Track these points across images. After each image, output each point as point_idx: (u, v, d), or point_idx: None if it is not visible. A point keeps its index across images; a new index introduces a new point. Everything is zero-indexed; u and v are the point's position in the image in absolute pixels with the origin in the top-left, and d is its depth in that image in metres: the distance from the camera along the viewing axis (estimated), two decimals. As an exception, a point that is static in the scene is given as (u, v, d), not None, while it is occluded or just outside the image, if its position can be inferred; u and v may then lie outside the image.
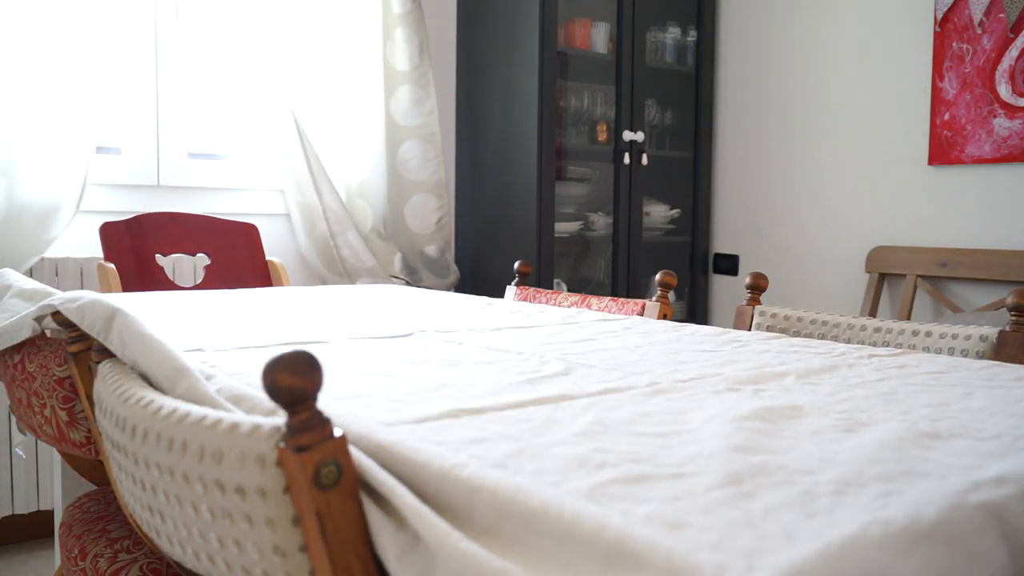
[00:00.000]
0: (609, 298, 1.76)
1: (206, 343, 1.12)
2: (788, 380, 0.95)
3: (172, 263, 2.10)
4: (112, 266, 1.93)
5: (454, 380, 0.92)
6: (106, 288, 1.92)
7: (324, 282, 2.73)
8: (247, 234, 2.22)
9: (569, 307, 1.78)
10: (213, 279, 2.12)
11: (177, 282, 2.08)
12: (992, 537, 0.54)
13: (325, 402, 0.80)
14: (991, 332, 1.26)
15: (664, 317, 1.64)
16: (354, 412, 0.75)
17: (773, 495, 0.54)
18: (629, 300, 1.73)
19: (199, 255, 2.16)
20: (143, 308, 1.53)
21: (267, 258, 2.25)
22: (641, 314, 1.66)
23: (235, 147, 2.73)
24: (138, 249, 1.99)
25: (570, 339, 1.24)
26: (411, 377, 0.93)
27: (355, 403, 0.79)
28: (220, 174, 2.68)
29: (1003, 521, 0.54)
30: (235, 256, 2.15)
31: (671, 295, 1.71)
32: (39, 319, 1.00)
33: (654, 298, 1.67)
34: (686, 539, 0.47)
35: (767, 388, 0.90)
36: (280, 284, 2.20)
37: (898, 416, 0.77)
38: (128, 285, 1.96)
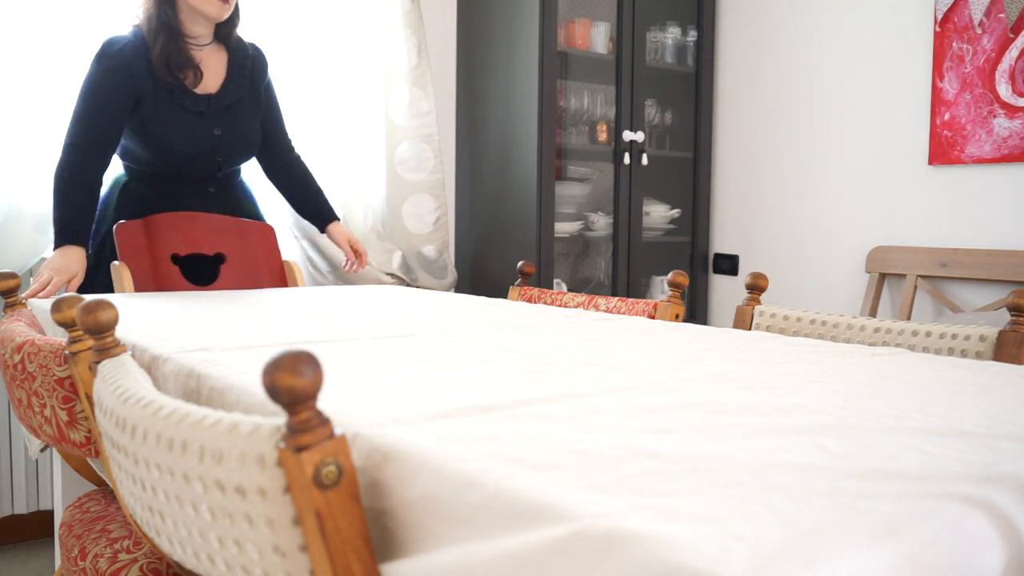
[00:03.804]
0: (618, 298, 1.76)
1: (212, 343, 1.12)
2: (796, 379, 0.95)
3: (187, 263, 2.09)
4: (125, 266, 1.93)
5: (463, 378, 0.92)
6: (120, 289, 1.91)
7: (329, 282, 2.73)
8: (263, 234, 2.21)
9: (576, 307, 1.77)
10: (229, 279, 2.12)
11: (192, 282, 2.07)
12: (993, 536, 0.54)
13: (336, 400, 0.79)
14: (991, 332, 1.26)
15: (676, 317, 1.64)
16: (366, 409, 0.75)
17: (788, 490, 0.54)
18: (639, 300, 1.73)
19: (215, 255, 2.15)
20: (153, 309, 1.53)
21: (283, 259, 2.24)
22: (653, 314, 1.65)
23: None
24: (153, 249, 1.98)
25: (573, 339, 1.24)
26: (420, 376, 0.93)
27: (366, 401, 0.79)
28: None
29: (1005, 520, 0.54)
30: (251, 256, 2.14)
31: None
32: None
33: (666, 298, 1.67)
34: (713, 532, 0.46)
35: (777, 386, 0.90)
36: (296, 285, 2.19)
37: (903, 414, 0.77)
38: (142, 285, 1.95)
